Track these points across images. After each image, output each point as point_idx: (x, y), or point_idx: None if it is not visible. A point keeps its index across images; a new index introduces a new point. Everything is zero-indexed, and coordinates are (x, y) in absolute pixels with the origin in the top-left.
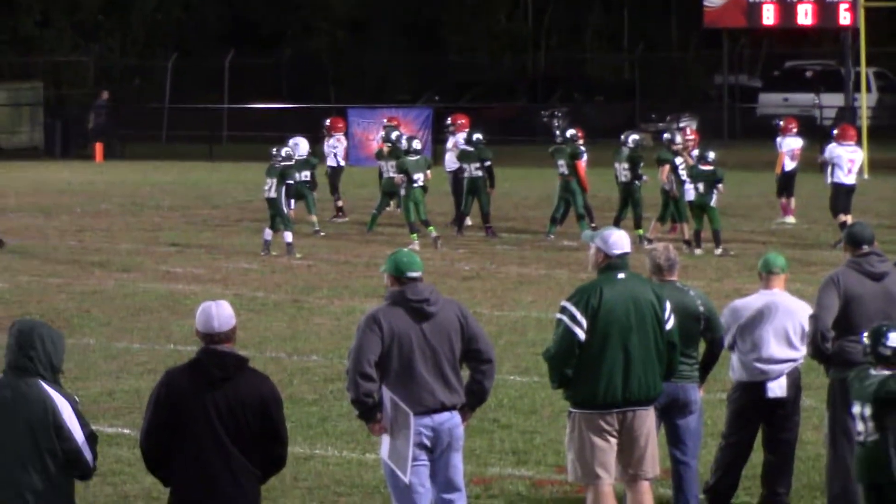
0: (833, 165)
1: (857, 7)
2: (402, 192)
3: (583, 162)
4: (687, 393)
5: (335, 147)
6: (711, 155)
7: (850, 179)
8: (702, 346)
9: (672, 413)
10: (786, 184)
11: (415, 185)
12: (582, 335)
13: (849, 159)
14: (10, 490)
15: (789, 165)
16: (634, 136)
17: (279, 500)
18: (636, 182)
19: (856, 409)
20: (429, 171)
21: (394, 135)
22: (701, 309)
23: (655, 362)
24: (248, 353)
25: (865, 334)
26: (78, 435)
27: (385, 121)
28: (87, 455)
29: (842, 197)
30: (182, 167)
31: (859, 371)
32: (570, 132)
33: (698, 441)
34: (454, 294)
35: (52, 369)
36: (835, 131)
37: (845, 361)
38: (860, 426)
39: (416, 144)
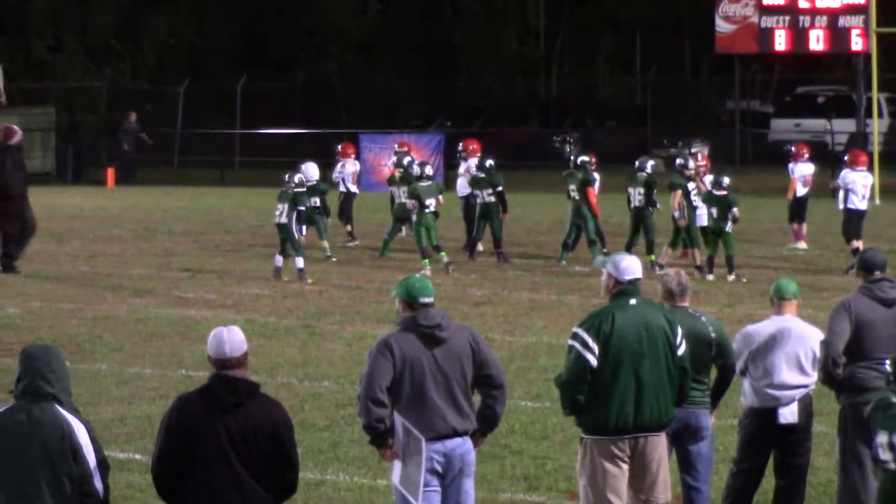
0: (847, 191)
1: (869, 33)
2: (414, 217)
3: (594, 188)
4: (699, 419)
5: (341, 173)
6: (726, 180)
7: (863, 205)
8: (713, 372)
9: (684, 439)
10: (798, 209)
11: (426, 210)
12: (594, 361)
13: (863, 185)
14: None
15: (801, 191)
16: (651, 162)
17: None
18: (650, 208)
19: (882, 438)
20: (441, 197)
21: (405, 160)
22: (713, 335)
23: (667, 388)
24: (259, 378)
25: (888, 362)
26: (91, 459)
27: (396, 146)
28: (98, 483)
29: (855, 222)
30: (194, 192)
31: (880, 401)
32: (582, 158)
33: (710, 467)
34: (466, 319)
35: (66, 392)
36: (846, 157)
37: (857, 387)
38: (886, 454)
39: (428, 170)
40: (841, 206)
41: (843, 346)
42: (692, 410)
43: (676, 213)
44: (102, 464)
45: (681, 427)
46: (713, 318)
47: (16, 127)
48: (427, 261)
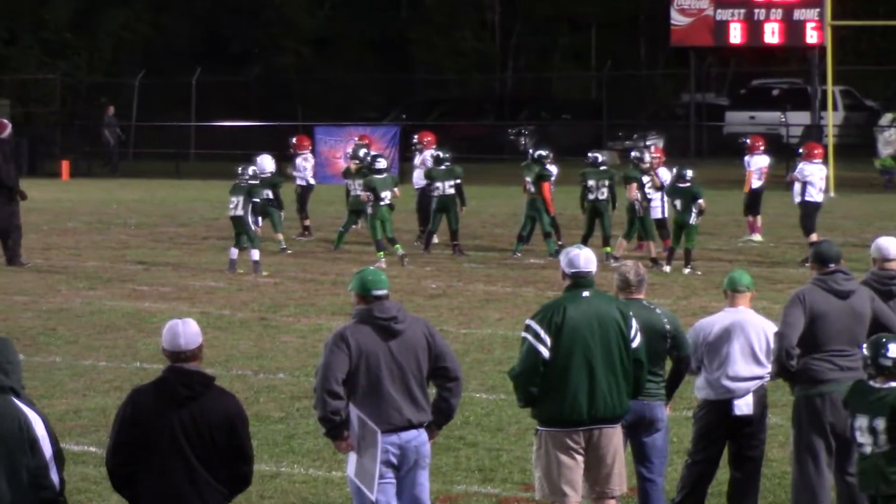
0: (804, 184)
1: (824, 26)
2: (370, 209)
3: (550, 183)
4: (653, 410)
5: (303, 166)
6: (689, 173)
7: (820, 197)
8: (668, 364)
9: (639, 430)
10: (753, 202)
11: (382, 202)
12: (546, 353)
13: (820, 177)
14: None
15: (756, 184)
16: (605, 155)
17: None
18: (613, 204)
19: (860, 422)
20: (396, 189)
21: (361, 152)
22: (667, 327)
23: (621, 380)
24: (214, 370)
25: (865, 346)
26: (47, 451)
27: (356, 139)
28: (54, 475)
29: (813, 215)
30: (149, 185)
31: (858, 384)
32: (540, 152)
33: (664, 459)
34: (421, 312)
35: (20, 384)
36: (801, 150)
37: (811, 379)
38: (865, 438)
39: (383, 162)
40: (798, 199)
41: (798, 337)
42: (647, 402)
43: (637, 205)
44: (58, 456)
45: (636, 419)
46: (668, 311)
47: (6, 120)
48: (382, 253)
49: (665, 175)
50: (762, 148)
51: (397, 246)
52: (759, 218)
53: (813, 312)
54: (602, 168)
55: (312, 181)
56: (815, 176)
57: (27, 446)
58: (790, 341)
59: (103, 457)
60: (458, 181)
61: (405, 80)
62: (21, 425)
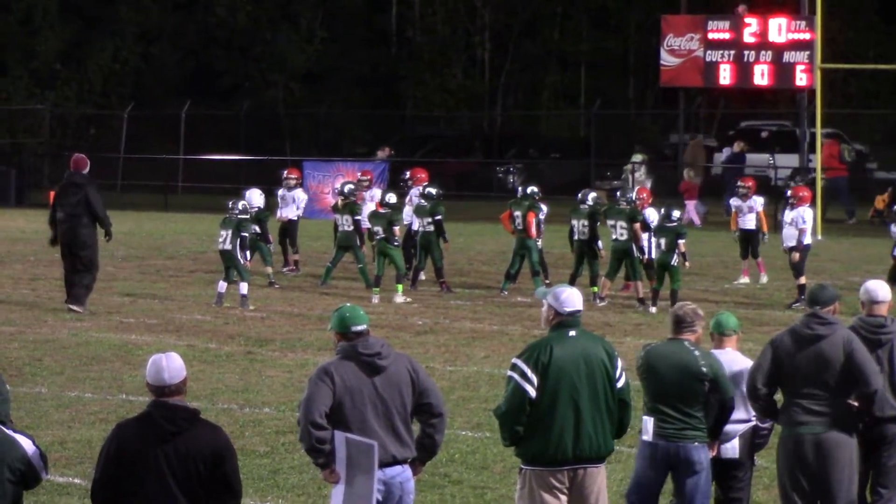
0: (801, 230)
1: (814, 69)
2: (374, 244)
3: (539, 214)
4: (689, 452)
5: (295, 200)
6: (676, 213)
7: (810, 240)
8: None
9: (678, 472)
10: (752, 244)
11: (377, 237)
12: (532, 392)
13: (811, 221)
14: None
15: (750, 225)
16: (593, 194)
17: None
18: (595, 244)
19: None
20: (397, 228)
21: (347, 188)
22: (704, 370)
23: (606, 420)
24: (199, 404)
25: None
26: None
27: (360, 175)
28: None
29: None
30: (137, 217)
31: None
32: (530, 189)
33: (707, 500)
34: (407, 348)
35: (8, 415)
36: (791, 197)
37: (787, 421)
38: None
39: (391, 198)
40: (792, 244)
41: (763, 378)
42: (682, 444)
43: (644, 246)
44: (43, 456)
45: (674, 461)
46: (709, 354)
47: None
48: (377, 290)
49: (652, 215)
50: (753, 189)
51: (375, 290)
52: (759, 259)
53: (782, 355)
54: (582, 207)
55: (298, 214)
56: (809, 221)
57: (27, 470)
58: (753, 380)
59: (88, 489)
60: (438, 217)
61: (394, 117)
62: (21, 453)
